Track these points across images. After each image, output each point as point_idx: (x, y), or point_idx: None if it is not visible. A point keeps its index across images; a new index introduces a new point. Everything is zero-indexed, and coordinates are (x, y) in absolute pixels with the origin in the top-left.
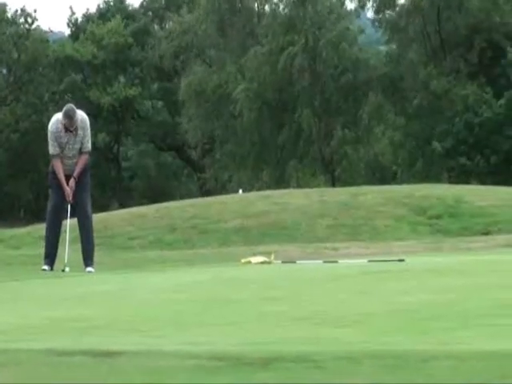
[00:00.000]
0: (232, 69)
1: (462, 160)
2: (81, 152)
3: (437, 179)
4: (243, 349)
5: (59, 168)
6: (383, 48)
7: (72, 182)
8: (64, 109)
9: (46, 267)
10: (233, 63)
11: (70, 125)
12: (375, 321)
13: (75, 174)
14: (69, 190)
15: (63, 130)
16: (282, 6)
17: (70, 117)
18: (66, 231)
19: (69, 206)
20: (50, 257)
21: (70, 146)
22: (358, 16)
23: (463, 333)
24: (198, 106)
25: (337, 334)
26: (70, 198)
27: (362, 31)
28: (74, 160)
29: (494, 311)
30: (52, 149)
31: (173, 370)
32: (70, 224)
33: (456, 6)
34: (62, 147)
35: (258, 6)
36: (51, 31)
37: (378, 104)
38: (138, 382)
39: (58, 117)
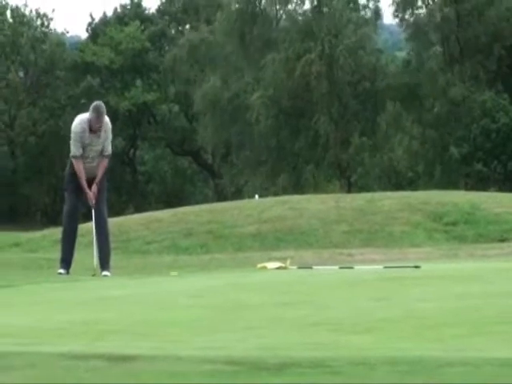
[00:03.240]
0: (249, 78)
1: (479, 166)
2: (102, 155)
3: (454, 186)
4: (259, 354)
5: (81, 170)
6: (399, 53)
7: (94, 187)
8: (93, 104)
9: (62, 271)
10: (251, 72)
11: (97, 121)
12: (390, 327)
13: (98, 179)
14: (91, 193)
15: (87, 131)
16: (299, 13)
17: (100, 112)
18: (92, 234)
19: (93, 210)
20: (67, 260)
21: (93, 148)
22: (375, 22)
23: (478, 339)
24: (213, 115)
25: (352, 340)
26: (94, 202)
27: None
28: (93, 164)
29: (509, 318)
30: (75, 149)
31: (189, 374)
32: (88, 228)
33: (476, 14)
34: (83, 148)
35: (275, 14)
36: (67, 32)
37: (396, 113)
38: None
39: (82, 117)
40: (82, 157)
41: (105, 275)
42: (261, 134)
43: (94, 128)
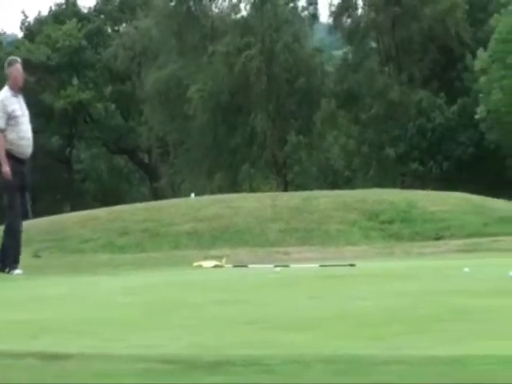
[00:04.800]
0: (187, 72)
1: (415, 165)
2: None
3: (391, 185)
4: (194, 352)
5: (2, 145)
6: (336, 52)
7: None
8: (8, 59)
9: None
10: (189, 67)
11: (20, 72)
12: (326, 325)
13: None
14: (8, 169)
15: (11, 97)
16: (240, 7)
17: (19, 61)
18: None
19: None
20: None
21: (25, 112)
22: (313, 21)
23: (415, 338)
24: (156, 109)
25: (288, 338)
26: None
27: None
28: (29, 135)
29: (445, 316)
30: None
31: (123, 373)
32: None
33: (411, 14)
34: (15, 117)
35: (214, 8)
36: (4, 33)
37: (332, 111)
38: None
39: (4, 89)
40: (19, 135)
41: (17, 273)
42: (198, 131)
43: (17, 83)
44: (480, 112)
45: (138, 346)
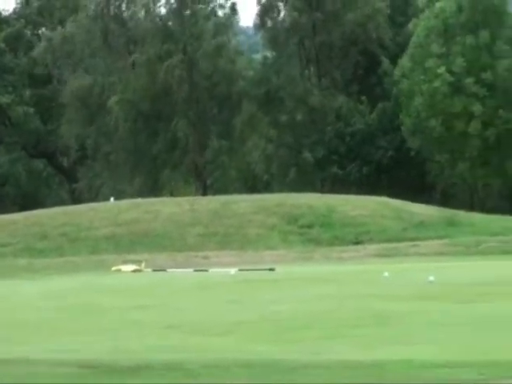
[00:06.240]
0: (109, 77)
1: (334, 169)
2: None
3: (311, 189)
4: (113, 357)
5: None
6: (255, 56)
7: None
8: None
9: None
10: (111, 72)
11: None
12: (246, 329)
13: None
14: None
15: None
16: (159, 15)
17: None
18: None
19: None
20: None
21: None
22: (233, 25)
23: (333, 342)
24: (76, 113)
25: (208, 342)
26: None
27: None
28: None
29: (364, 321)
30: None
31: (41, 377)
32: None
33: (332, 19)
34: None
35: (132, 15)
36: None
37: (253, 115)
38: None
39: None
40: None
41: None
42: (118, 136)
43: None
44: (404, 123)
45: (57, 350)
